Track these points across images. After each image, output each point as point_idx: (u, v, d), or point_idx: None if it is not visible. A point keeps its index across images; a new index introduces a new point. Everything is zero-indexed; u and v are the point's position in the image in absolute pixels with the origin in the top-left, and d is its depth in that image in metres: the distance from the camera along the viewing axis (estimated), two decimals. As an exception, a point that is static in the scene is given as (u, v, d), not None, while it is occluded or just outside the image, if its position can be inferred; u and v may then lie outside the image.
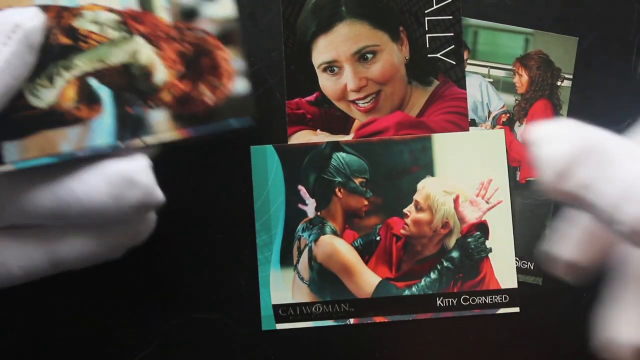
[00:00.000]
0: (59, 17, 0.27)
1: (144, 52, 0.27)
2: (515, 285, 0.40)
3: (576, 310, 0.41)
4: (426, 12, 0.41)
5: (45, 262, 0.30)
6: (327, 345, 0.41)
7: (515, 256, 0.41)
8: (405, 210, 0.40)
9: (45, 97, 0.27)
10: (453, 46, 0.41)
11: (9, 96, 0.25)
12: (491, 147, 0.40)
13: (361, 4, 0.40)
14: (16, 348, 0.40)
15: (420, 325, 0.41)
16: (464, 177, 0.40)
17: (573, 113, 0.41)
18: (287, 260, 0.40)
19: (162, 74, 0.28)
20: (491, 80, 0.41)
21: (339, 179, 0.40)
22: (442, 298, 0.40)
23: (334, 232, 0.40)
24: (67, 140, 0.28)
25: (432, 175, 0.40)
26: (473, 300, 0.40)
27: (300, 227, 0.40)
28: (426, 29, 0.41)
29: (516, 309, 0.41)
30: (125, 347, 0.40)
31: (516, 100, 0.41)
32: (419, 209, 0.40)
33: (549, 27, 0.41)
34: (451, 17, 0.41)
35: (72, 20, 0.27)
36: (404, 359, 0.41)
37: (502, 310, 0.40)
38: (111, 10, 0.27)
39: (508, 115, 0.41)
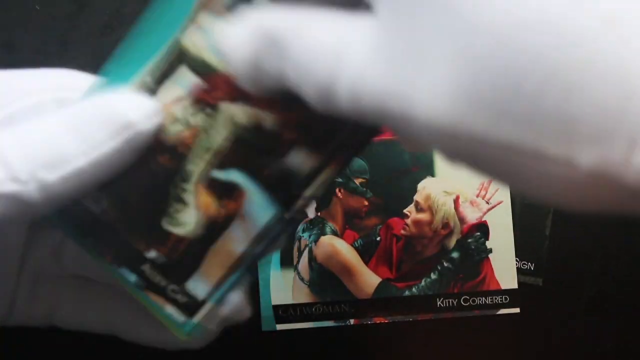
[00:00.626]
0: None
1: (237, 112, 0.24)
2: (516, 286, 0.40)
3: (576, 310, 0.41)
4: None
5: (44, 321, 0.29)
6: (327, 345, 0.41)
7: (516, 257, 0.41)
8: (405, 211, 0.40)
9: (188, 219, 0.25)
10: (453, 46, 0.41)
11: (93, 188, 0.23)
12: (491, 147, 0.40)
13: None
14: (16, 348, 0.40)
15: (421, 326, 0.41)
16: (464, 177, 0.40)
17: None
18: (287, 260, 0.40)
19: (268, 117, 0.24)
20: (491, 80, 0.41)
21: (339, 179, 0.40)
22: (442, 299, 0.40)
23: (334, 233, 0.40)
24: (237, 241, 0.25)
25: (433, 175, 0.40)
26: (473, 301, 0.40)
27: (300, 227, 0.40)
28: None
29: (516, 310, 0.41)
30: (125, 346, 0.40)
31: (516, 100, 0.41)
32: (419, 209, 0.40)
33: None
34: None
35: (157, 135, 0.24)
36: (404, 359, 0.41)
37: (502, 311, 0.40)
38: (180, 99, 0.24)
39: (508, 115, 0.41)
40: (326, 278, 0.40)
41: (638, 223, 0.41)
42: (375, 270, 0.40)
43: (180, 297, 0.25)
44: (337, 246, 0.40)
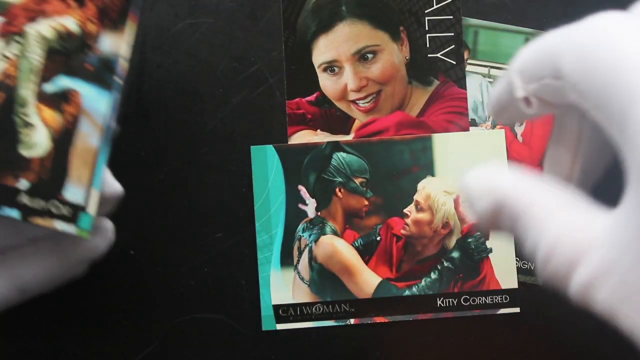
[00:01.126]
0: None
1: (42, 29, 0.27)
2: (516, 286, 0.40)
3: (576, 310, 0.41)
4: (426, 12, 0.41)
5: (12, 290, 0.30)
6: (328, 345, 0.41)
7: (516, 256, 0.40)
8: (405, 211, 0.40)
9: (40, 138, 0.27)
10: (453, 46, 0.41)
11: None
12: (491, 147, 0.40)
13: (361, 4, 0.40)
14: (15, 347, 0.40)
15: (421, 326, 0.41)
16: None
17: (573, 113, 0.41)
18: (287, 260, 0.40)
19: (69, 21, 0.28)
20: (491, 80, 0.41)
21: (339, 179, 0.40)
22: (442, 298, 0.40)
23: (334, 232, 0.40)
24: (90, 136, 0.28)
25: (433, 175, 0.40)
26: (473, 301, 0.40)
27: (300, 227, 0.40)
28: (426, 28, 0.41)
29: (517, 309, 0.40)
30: (125, 346, 0.40)
31: (517, 100, 0.41)
32: (419, 209, 0.40)
33: (550, 27, 0.41)
34: (451, 17, 0.41)
35: None
36: (405, 359, 0.41)
37: (502, 311, 0.40)
38: None
39: (508, 115, 0.41)
40: (326, 278, 0.40)
41: (638, 223, 0.41)
42: (375, 270, 0.40)
43: (64, 210, 0.27)
44: (337, 246, 0.40)
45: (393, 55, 0.40)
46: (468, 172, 0.24)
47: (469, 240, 0.40)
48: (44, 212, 0.27)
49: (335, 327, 0.40)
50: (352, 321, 0.40)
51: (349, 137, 0.41)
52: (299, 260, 0.40)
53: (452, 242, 0.40)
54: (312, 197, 0.40)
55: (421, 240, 0.40)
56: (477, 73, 0.41)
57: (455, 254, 0.40)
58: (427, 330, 0.41)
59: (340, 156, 0.40)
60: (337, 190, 0.40)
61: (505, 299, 0.40)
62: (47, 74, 0.27)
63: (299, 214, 0.40)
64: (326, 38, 0.40)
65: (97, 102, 0.28)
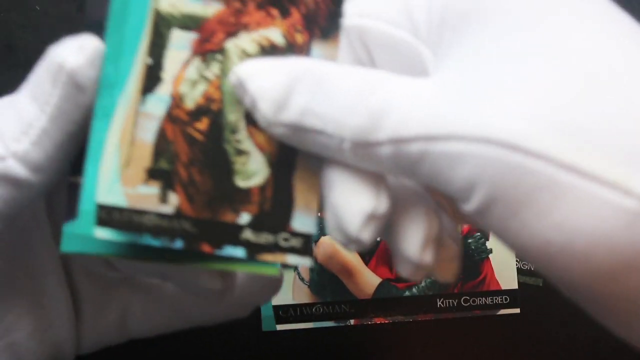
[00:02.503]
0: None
1: (244, 44, 0.23)
2: (516, 286, 0.40)
3: (576, 310, 0.41)
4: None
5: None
6: (328, 346, 0.41)
7: (516, 257, 0.41)
8: (405, 211, 0.40)
9: (257, 165, 0.23)
10: (453, 47, 0.41)
11: (73, 142, 0.22)
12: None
13: (362, 5, 0.40)
14: (16, 349, 0.40)
15: (421, 326, 0.41)
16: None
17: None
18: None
19: (273, 33, 0.24)
20: (492, 80, 0.41)
21: (340, 180, 0.40)
22: (442, 299, 0.40)
23: (335, 233, 0.40)
24: (312, 158, 0.24)
25: (433, 175, 0.40)
26: (473, 301, 0.40)
27: (300, 227, 0.40)
28: (427, 29, 0.41)
29: (517, 310, 0.40)
30: (126, 346, 0.40)
31: (517, 100, 0.41)
32: (419, 209, 0.40)
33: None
34: (452, 17, 0.41)
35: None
36: (405, 359, 0.41)
37: (502, 311, 0.40)
38: (187, 61, 0.24)
39: (509, 115, 0.41)
40: (326, 278, 0.40)
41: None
42: (375, 271, 0.40)
43: (294, 242, 0.24)
44: (337, 246, 0.40)
45: (393, 55, 0.40)
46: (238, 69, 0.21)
47: (469, 240, 0.40)
48: (272, 247, 0.23)
49: (335, 327, 0.40)
50: (352, 322, 0.40)
51: (349, 138, 0.41)
52: (299, 261, 0.40)
53: (452, 242, 0.40)
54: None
55: (421, 240, 0.40)
56: (477, 74, 0.41)
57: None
58: (427, 331, 0.41)
59: (340, 157, 0.40)
60: (337, 190, 0.40)
61: (505, 299, 0.40)
62: None
63: (299, 214, 0.40)
64: (326, 39, 0.40)
65: None
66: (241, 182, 0.23)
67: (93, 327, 0.28)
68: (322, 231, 0.40)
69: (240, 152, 0.23)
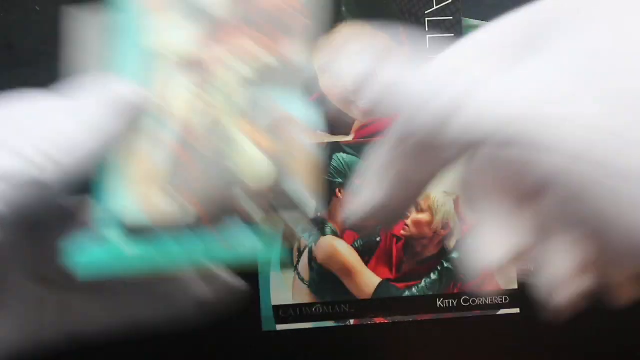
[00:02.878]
0: None
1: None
2: (516, 286, 0.40)
3: (576, 310, 0.41)
4: (426, 12, 0.41)
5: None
6: (328, 346, 0.41)
7: (516, 257, 0.41)
8: (405, 211, 0.40)
9: (263, 165, 0.27)
10: (453, 47, 0.41)
11: (91, 161, 0.25)
12: (491, 147, 0.40)
13: (361, 5, 0.40)
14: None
15: (421, 326, 0.41)
16: (464, 177, 0.40)
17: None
18: (287, 261, 0.40)
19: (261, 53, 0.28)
20: (491, 80, 0.41)
21: (339, 180, 0.40)
22: (442, 299, 0.40)
23: (334, 233, 0.40)
24: (302, 136, 0.28)
25: (433, 176, 0.40)
26: (473, 301, 0.40)
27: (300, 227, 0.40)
28: (426, 29, 0.41)
29: (516, 310, 0.41)
30: (126, 346, 0.40)
31: (516, 101, 0.41)
32: (419, 209, 0.40)
33: (550, 28, 0.41)
34: (451, 17, 0.41)
35: None
36: (405, 359, 0.41)
37: (502, 311, 0.40)
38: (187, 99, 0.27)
39: (508, 116, 0.41)
40: (326, 278, 0.40)
41: (638, 223, 0.41)
42: (375, 271, 0.40)
43: (300, 221, 0.28)
44: (337, 246, 0.40)
45: (393, 56, 0.40)
46: None
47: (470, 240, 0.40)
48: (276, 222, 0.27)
49: (335, 327, 0.40)
50: (351, 322, 0.40)
51: (349, 138, 0.41)
52: (298, 261, 0.40)
53: (453, 242, 0.40)
54: (312, 197, 0.40)
55: (421, 240, 0.40)
56: (477, 74, 0.41)
57: (456, 255, 0.40)
58: (427, 331, 0.41)
59: (340, 157, 0.40)
60: (337, 191, 0.40)
61: (505, 299, 0.40)
62: (253, 108, 0.27)
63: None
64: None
65: (308, 116, 0.27)
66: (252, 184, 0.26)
67: (29, 323, 0.29)
68: (321, 231, 0.40)
69: (248, 163, 0.26)
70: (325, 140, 0.41)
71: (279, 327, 0.40)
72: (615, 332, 0.41)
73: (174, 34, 0.26)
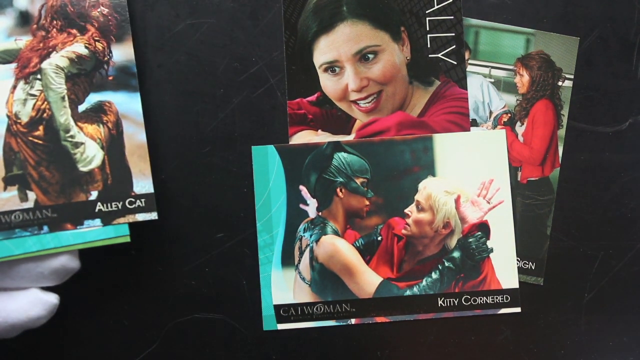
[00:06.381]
0: None
1: (56, 61, 0.32)
2: (517, 286, 0.40)
3: (577, 309, 0.41)
4: (427, 12, 0.41)
5: None
6: (329, 345, 0.41)
7: (517, 256, 0.41)
8: (406, 211, 0.40)
9: (92, 151, 0.31)
10: (454, 46, 0.41)
11: None
12: (492, 147, 0.41)
13: (362, 4, 0.40)
14: (16, 348, 0.40)
15: (422, 325, 0.41)
16: (465, 177, 0.40)
17: (574, 113, 0.41)
18: (288, 260, 0.40)
19: (77, 47, 0.32)
20: (492, 80, 0.41)
21: (340, 179, 0.40)
22: (443, 298, 0.40)
23: (335, 232, 0.40)
24: (137, 134, 0.33)
25: (434, 175, 0.40)
26: (474, 301, 0.40)
27: (301, 227, 0.40)
28: (427, 29, 0.41)
29: (517, 309, 0.41)
30: (127, 346, 0.40)
31: (517, 100, 0.41)
32: (420, 209, 0.40)
33: (550, 27, 0.41)
34: (452, 17, 0.41)
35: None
36: (406, 358, 0.41)
37: (503, 310, 0.40)
38: (13, 87, 0.31)
39: (509, 115, 0.41)
40: (327, 278, 0.40)
41: (638, 222, 0.41)
42: (376, 270, 0.40)
43: (139, 202, 0.33)
44: (338, 246, 0.40)
45: (394, 55, 0.40)
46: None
47: (470, 240, 0.40)
48: (122, 212, 0.32)
49: (336, 326, 0.40)
50: (353, 321, 0.40)
51: (350, 137, 0.41)
52: (300, 260, 0.40)
53: (453, 242, 0.40)
54: (313, 197, 0.40)
55: (422, 240, 0.40)
56: (478, 73, 0.41)
57: (456, 254, 0.40)
58: (427, 330, 0.41)
59: (341, 156, 0.40)
60: (338, 190, 0.40)
61: (506, 298, 0.40)
62: (76, 97, 0.31)
63: (300, 214, 0.40)
64: (327, 38, 0.40)
65: (130, 104, 0.32)
66: (83, 168, 0.31)
67: None
68: (322, 231, 0.40)
69: (77, 145, 0.30)
70: (326, 140, 0.41)
71: (280, 326, 0.40)
72: (615, 332, 0.41)
73: None
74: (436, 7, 0.41)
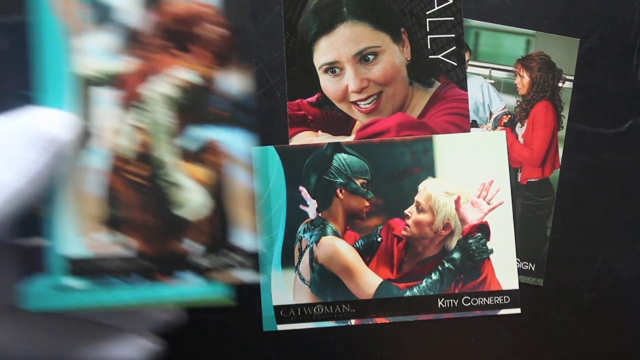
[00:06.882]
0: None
1: (159, 87, 0.26)
2: (517, 287, 0.40)
3: (577, 311, 0.41)
4: (427, 13, 0.41)
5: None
6: (328, 346, 0.41)
7: (517, 257, 0.41)
8: (406, 212, 0.40)
9: (192, 194, 0.26)
10: (454, 47, 0.41)
11: (29, 203, 0.25)
12: (492, 148, 0.41)
13: (362, 5, 0.40)
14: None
15: (422, 326, 0.41)
16: (465, 178, 0.40)
17: (574, 114, 0.41)
18: (288, 261, 0.40)
19: (183, 72, 0.26)
20: (492, 81, 0.41)
21: (340, 180, 0.40)
22: (443, 299, 0.40)
23: (335, 233, 0.40)
24: (242, 180, 0.27)
25: (434, 176, 0.40)
26: (474, 302, 0.40)
27: (301, 228, 0.40)
28: (427, 30, 0.41)
29: (517, 310, 0.41)
30: (126, 348, 0.40)
31: (517, 101, 0.41)
32: (420, 210, 0.40)
33: (550, 28, 0.41)
34: (452, 18, 0.41)
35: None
36: (405, 359, 0.41)
37: (503, 312, 0.40)
38: (111, 114, 0.26)
39: (509, 116, 0.41)
40: (327, 278, 0.40)
41: (638, 224, 0.41)
42: (376, 271, 0.40)
43: (241, 259, 0.26)
44: (338, 247, 0.40)
45: (394, 56, 0.40)
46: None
47: (470, 241, 0.40)
48: (220, 267, 0.27)
49: (336, 327, 0.40)
50: (352, 322, 0.40)
51: (350, 138, 0.41)
52: (299, 261, 0.40)
53: (453, 243, 0.40)
54: (313, 198, 0.40)
55: (422, 241, 0.40)
56: (478, 74, 0.41)
57: (456, 255, 0.40)
58: (427, 331, 0.41)
59: (341, 157, 0.40)
60: (338, 191, 0.40)
61: (506, 299, 0.40)
62: (182, 132, 0.26)
63: (299, 215, 0.40)
64: (327, 39, 0.40)
65: (239, 144, 0.26)
66: (184, 214, 0.26)
67: None
68: (322, 231, 0.40)
69: (180, 188, 0.26)
70: (326, 141, 0.41)
71: (280, 327, 0.40)
72: (615, 332, 0.41)
73: (95, 54, 0.26)
74: (436, 8, 0.41)
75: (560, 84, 0.41)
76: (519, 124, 0.41)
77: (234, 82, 0.26)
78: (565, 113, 0.41)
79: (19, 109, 0.25)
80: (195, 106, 0.26)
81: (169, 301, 0.27)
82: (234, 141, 0.26)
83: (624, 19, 0.41)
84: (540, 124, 0.41)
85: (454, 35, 0.41)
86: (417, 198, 0.40)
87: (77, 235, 0.26)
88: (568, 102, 0.41)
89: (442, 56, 0.41)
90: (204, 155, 0.26)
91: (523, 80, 0.41)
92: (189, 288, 0.26)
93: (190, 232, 0.26)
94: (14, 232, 0.26)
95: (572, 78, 0.41)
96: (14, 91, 0.27)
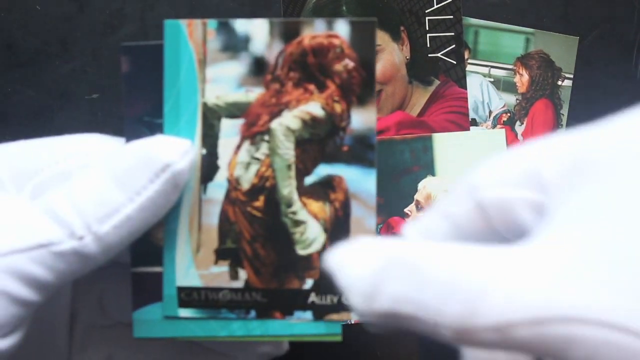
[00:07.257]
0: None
1: (288, 122, 0.26)
2: (516, 285, 0.40)
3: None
4: (427, 11, 0.41)
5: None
6: (328, 345, 0.41)
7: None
8: (406, 210, 0.40)
9: (314, 233, 0.26)
10: (454, 46, 0.41)
11: (143, 232, 0.24)
12: (492, 146, 0.41)
13: (362, 4, 0.40)
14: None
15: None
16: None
17: (573, 113, 0.41)
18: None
19: (313, 107, 0.26)
20: (492, 79, 0.41)
21: (340, 179, 0.40)
22: (443, 298, 0.40)
23: (335, 232, 0.40)
24: (365, 219, 0.26)
25: (433, 174, 0.40)
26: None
27: (301, 227, 0.40)
28: (427, 28, 0.41)
29: (517, 309, 0.41)
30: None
31: (517, 99, 0.41)
32: (420, 208, 0.40)
33: (550, 27, 0.41)
34: (452, 16, 0.41)
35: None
36: (405, 358, 0.41)
37: (503, 310, 0.40)
38: (237, 146, 0.26)
39: (509, 114, 0.41)
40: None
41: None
42: (376, 270, 0.40)
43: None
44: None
45: (393, 54, 0.40)
46: (333, 254, 0.20)
47: (470, 239, 0.40)
48: (336, 307, 0.26)
49: (336, 326, 0.40)
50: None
51: (350, 137, 0.41)
52: (299, 260, 0.40)
53: (453, 241, 0.40)
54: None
55: (422, 239, 0.40)
56: (477, 73, 0.41)
57: (456, 254, 0.40)
58: (427, 330, 0.41)
59: (340, 156, 0.40)
60: (337, 190, 0.40)
61: (506, 298, 0.40)
62: (304, 167, 0.26)
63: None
64: (326, 38, 0.40)
65: (362, 183, 0.26)
66: (302, 251, 0.26)
67: None
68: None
69: (298, 223, 0.26)
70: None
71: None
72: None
73: (226, 85, 0.26)
74: (436, 6, 0.41)
75: (559, 82, 0.41)
76: (518, 122, 0.41)
77: (359, 118, 0.26)
78: (564, 111, 0.41)
79: (141, 135, 0.25)
80: (320, 141, 0.26)
81: (282, 336, 0.27)
82: (357, 179, 0.26)
83: (623, 17, 0.41)
84: (539, 122, 0.41)
85: (453, 34, 0.41)
86: (416, 196, 0.40)
87: (193, 266, 0.26)
88: (567, 100, 0.41)
89: (442, 55, 0.41)
90: (326, 191, 0.26)
91: (522, 79, 0.41)
92: (302, 324, 0.27)
93: (309, 271, 0.26)
94: (126, 257, 0.26)
95: (572, 76, 0.41)
96: (138, 117, 0.26)
